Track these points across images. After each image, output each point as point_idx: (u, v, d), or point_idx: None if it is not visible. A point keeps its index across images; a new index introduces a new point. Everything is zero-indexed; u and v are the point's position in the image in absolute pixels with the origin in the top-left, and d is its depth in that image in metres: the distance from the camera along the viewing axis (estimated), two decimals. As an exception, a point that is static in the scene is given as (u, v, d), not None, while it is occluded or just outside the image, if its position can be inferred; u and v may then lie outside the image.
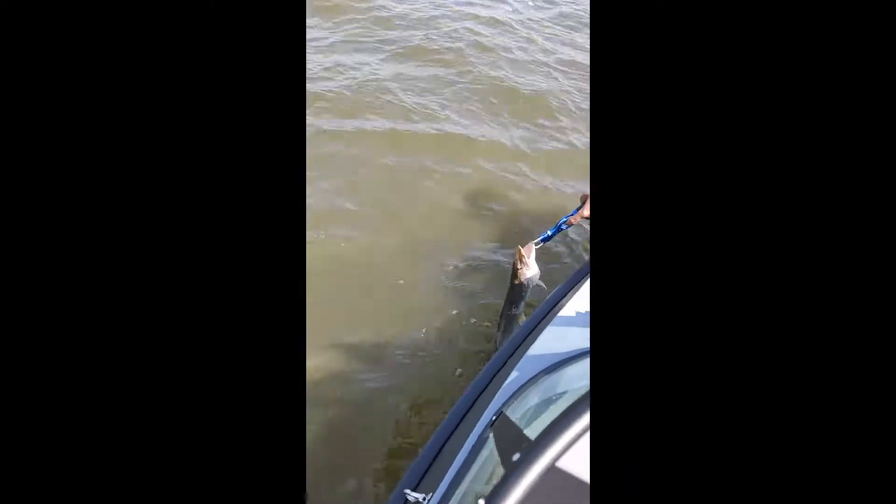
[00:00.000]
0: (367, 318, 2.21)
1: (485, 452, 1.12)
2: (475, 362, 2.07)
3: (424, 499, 1.10)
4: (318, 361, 1.97)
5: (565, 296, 1.71)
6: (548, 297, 1.75)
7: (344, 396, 1.93)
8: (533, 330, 1.61)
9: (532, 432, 0.81)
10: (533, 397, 1.23)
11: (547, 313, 1.67)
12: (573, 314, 1.54)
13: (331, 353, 2.03)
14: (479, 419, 1.28)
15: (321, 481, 1.70)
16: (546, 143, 3.18)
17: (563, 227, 1.92)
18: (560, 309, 1.56)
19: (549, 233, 1.94)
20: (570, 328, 1.47)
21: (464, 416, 1.41)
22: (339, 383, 1.96)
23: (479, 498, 0.74)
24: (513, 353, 1.55)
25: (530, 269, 1.85)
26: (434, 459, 1.32)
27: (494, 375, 1.50)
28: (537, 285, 1.89)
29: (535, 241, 1.93)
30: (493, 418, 1.18)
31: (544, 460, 0.69)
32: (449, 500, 1.05)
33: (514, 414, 1.19)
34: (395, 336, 2.16)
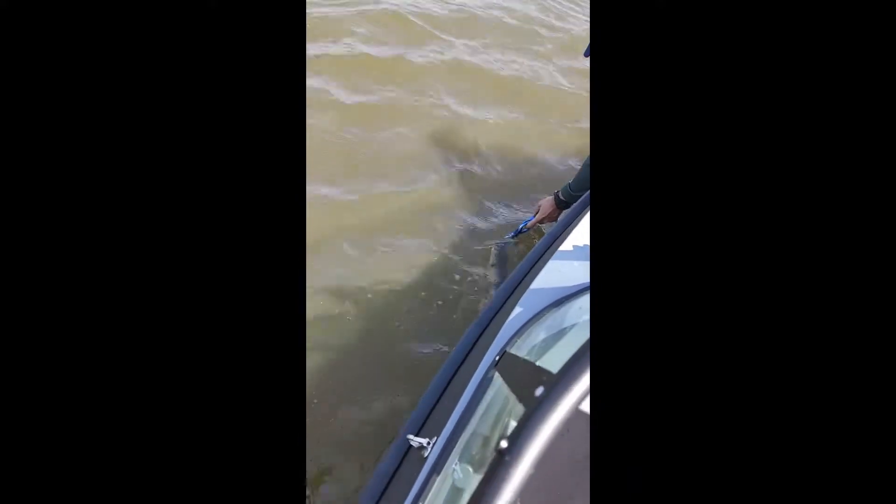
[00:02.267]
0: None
1: (490, 393, 1.05)
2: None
3: (428, 443, 1.04)
4: (312, 305, 1.89)
5: (564, 231, 1.63)
6: (546, 233, 1.67)
7: (339, 341, 1.87)
8: (532, 268, 1.53)
9: (549, 365, 0.73)
10: (539, 333, 1.16)
11: (545, 250, 1.59)
12: (571, 248, 1.46)
13: (325, 297, 1.95)
14: (480, 360, 1.21)
15: (321, 428, 1.64)
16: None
17: (524, 230, 2.21)
18: (560, 243, 1.48)
19: (513, 234, 2.23)
20: (571, 262, 1.39)
21: (464, 358, 1.35)
22: (334, 327, 1.89)
23: (501, 439, 0.67)
24: (511, 293, 1.48)
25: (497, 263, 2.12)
26: (435, 404, 1.26)
27: (494, 316, 1.43)
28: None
29: (505, 238, 2.22)
30: (497, 358, 1.11)
31: (572, 395, 0.62)
32: (454, 443, 0.98)
33: (520, 351, 1.12)
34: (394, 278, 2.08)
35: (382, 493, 1.10)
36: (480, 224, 2.34)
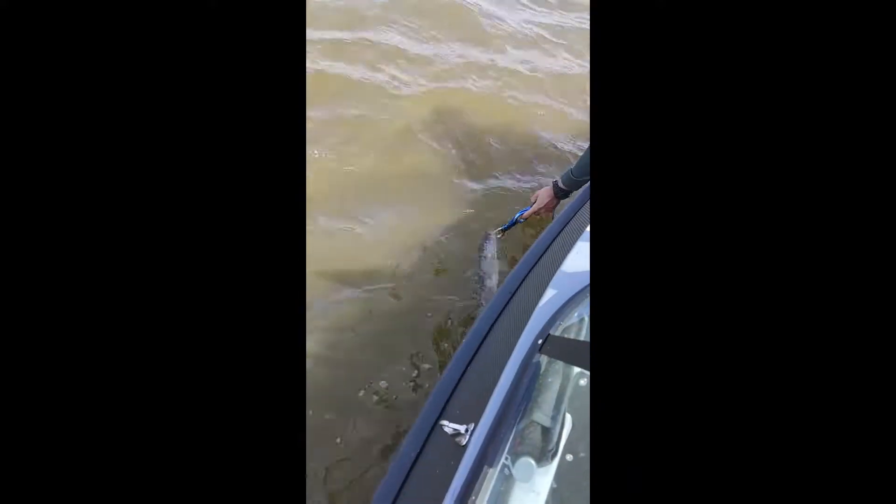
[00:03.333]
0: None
1: (540, 380, 0.97)
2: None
3: (466, 430, 0.95)
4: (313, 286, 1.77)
5: (576, 213, 1.56)
6: (563, 209, 1.60)
7: (341, 321, 1.73)
8: (546, 250, 1.45)
9: None
10: (584, 314, 1.09)
11: (559, 231, 1.52)
12: None
13: (323, 279, 1.80)
14: (509, 343, 1.12)
15: (324, 410, 1.52)
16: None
17: (520, 220, 2.09)
18: (585, 224, 1.41)
19: (508, 224, 2.10)
20: None
21: (484, 338, 1.26)
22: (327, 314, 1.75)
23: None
24: (527, 275, 1.40)
25: (486, 259, 1.99)
26: (455, 387, 1.16)
27: (510, 299, 1.34)
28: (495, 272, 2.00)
29: (498, 230, 2.10)
30: (541, 342, 1.03)
31: None
32: (503, 433, 0.90)
33: (568, 334, 1.05)
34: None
35: (405, 479, 0.99)
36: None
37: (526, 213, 2.07)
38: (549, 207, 2.04)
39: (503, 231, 2.11)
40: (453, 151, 2.45)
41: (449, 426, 0.97)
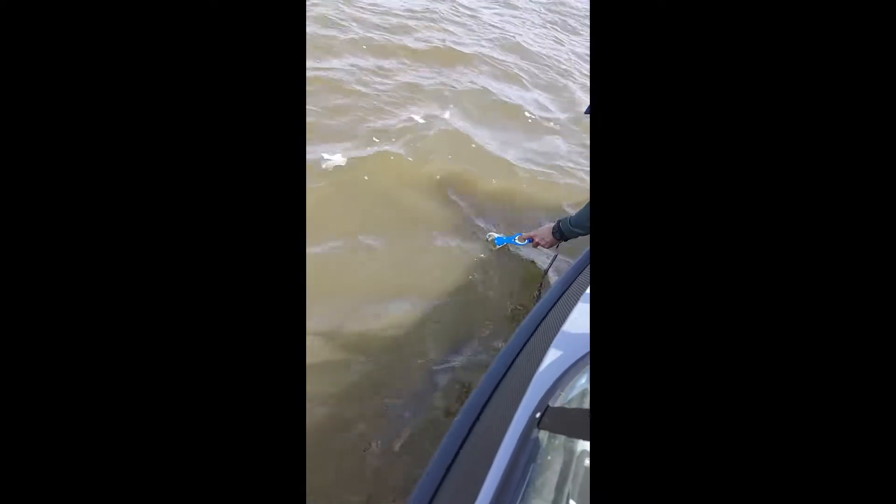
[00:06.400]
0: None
1: (540, 459, 0.83)
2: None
3: None
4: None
5: (579, 274, 1.47)
6: (564, 273, 1.50)
7: (337, 388, 1.61)
8: (546, 315, 1.34)
9: None
10: (581, 381, 0.96)
11: (560, 296, 1.41)
12: None
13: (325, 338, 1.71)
14: (506, 418, 0.99)
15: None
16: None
17: (516, 243, 2.15)
18: (586, 287, 1.31)
19: (503, 240, 2.15)
20: None
21: (477, 418, 1.12)
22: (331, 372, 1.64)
23: None
24: (527, 342, 1.28)
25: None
26: (447, 471, 1.01)
27: (510, 364, 1.22)
28: None
29: (492, 239, 2.19)
30: (539, 415, 0.90)
31: None
32: None
33: (569, 405, 0.92)
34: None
35: None
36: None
37: (522, 236, 2.13)
38: (547, 244, 2.07)
39: (496, 245, 2.15)
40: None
41: None
